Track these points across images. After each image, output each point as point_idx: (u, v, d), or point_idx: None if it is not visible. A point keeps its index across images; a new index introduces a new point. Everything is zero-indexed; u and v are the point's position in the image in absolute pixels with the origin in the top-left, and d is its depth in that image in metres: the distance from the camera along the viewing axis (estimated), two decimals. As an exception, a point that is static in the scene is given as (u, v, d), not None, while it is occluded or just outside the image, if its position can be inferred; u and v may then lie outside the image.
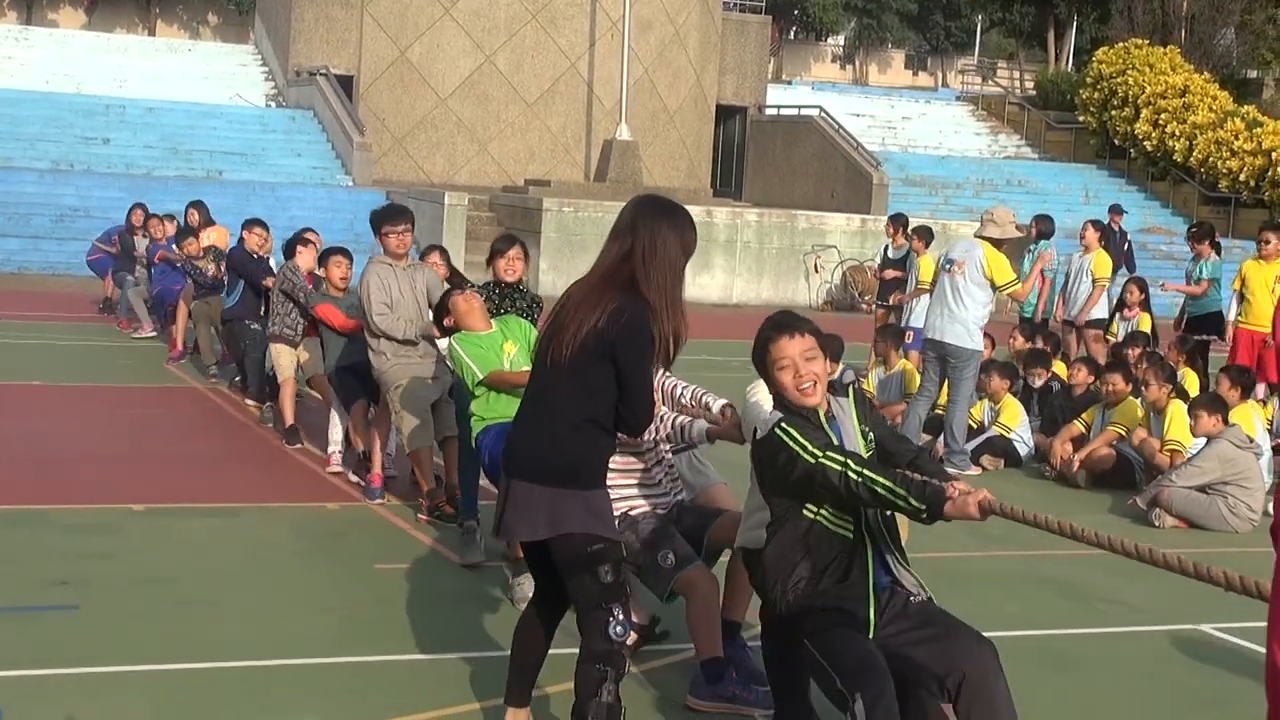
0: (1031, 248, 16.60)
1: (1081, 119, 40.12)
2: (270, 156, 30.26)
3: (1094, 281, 15.02)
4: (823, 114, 36.16)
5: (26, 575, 7.08)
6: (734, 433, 5.56)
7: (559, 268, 23.92)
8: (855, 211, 30.18)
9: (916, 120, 42.91)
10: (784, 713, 4.91)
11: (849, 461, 4.41)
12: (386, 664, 6.09)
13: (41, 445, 10.40)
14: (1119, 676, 6.43)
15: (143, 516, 8.46)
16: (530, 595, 5.19)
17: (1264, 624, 3.02)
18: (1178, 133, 36.41)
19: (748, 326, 4.94)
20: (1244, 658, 6.65)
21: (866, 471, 4.38)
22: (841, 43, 79.96)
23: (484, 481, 7.73)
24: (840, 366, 8.44)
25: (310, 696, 5.67)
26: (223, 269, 13.31)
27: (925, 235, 15.01)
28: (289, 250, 11.33)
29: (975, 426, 11.72)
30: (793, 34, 76.25)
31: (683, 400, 5.94)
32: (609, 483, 4.81)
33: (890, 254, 16.25)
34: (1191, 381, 12.46)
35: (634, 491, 5.89)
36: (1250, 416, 10.47)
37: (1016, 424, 11.69)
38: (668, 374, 5.85)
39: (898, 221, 16.41)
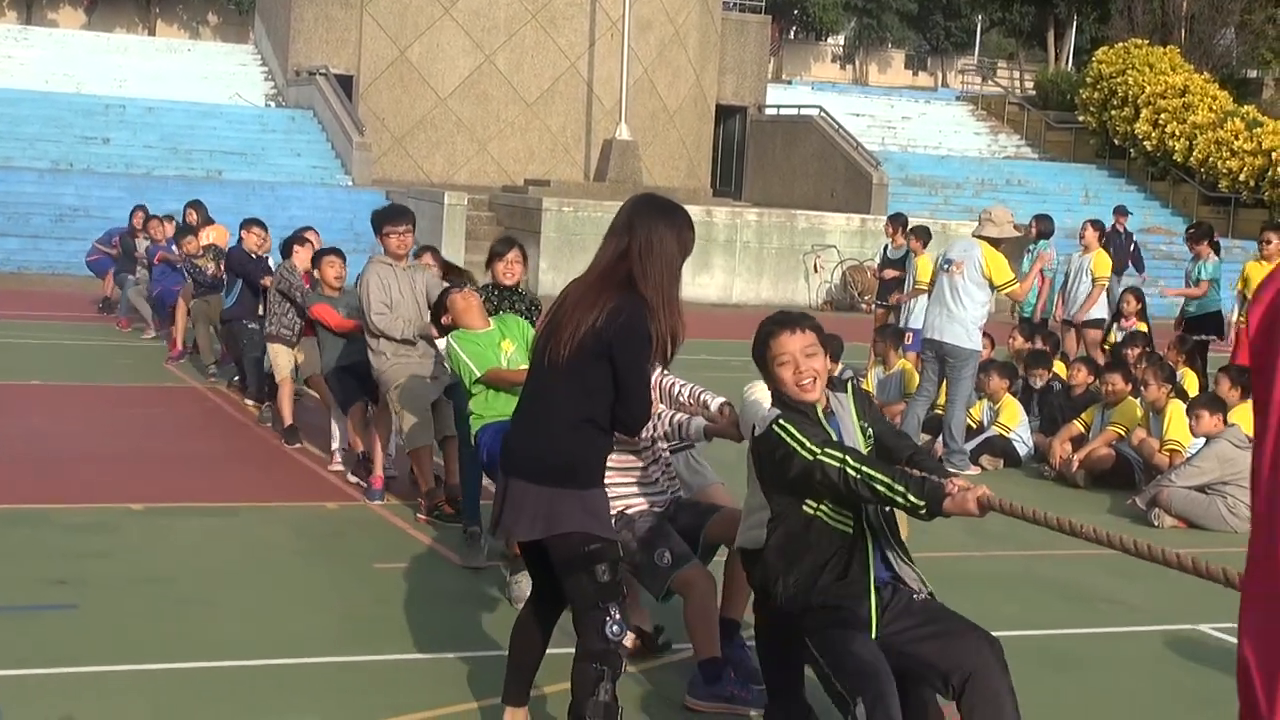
0: (1031, 247, 16.61)
1: (1081, 119, 40.12)
2: (270, 156, 30.25)
3: (1093, 281, 15.03)
4: (822, 114, 36.16)
5: (25, 574, 7.07)
6: (732, 430, 5.56)
7: (559, 267, 23.91)
8: (855, 211, 30.17)
9: (916, 120, 42.90)
10: (777, 710, 4.89)
11: (847, 457, 4.40)
12: (385, 663, 6.09)
13: (40, 445, 10.39)
14: (1118, 676, 6.43)
15: (142, 516, 8.46)
16: (527, 594, 5.20)
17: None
18: (1178, 133, 36.41)
19: (747, 326, 4.94)
20: (1243, 657, 6.63)
21: (865, 468, 4.37)
22: (841, 42, 79.97)
23: (485, 482, 7.72)
24: (839, 366, 8.45)
25: (309, 695, 5.67)
26: (222, 268, 13.31)
27: (923, 235, 14.97)
28: (286, 249, 11.33)
29: (974, 426, 11.71)
30: (793, 34, 76.27)
31: (681, 398, 5.94)
32: (606, 481, 4.81)
33: (890, 254, 16.24)
34: (1191, 381, 12.46)
35: (631, 490, 5.89)
36: (1250, 416, 10.45)
37: (1016, 424, 11.69)
38: (666, 372, 5.85)
39: (897, 221, 16.39)
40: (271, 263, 12.32)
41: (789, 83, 51.02)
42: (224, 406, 12.56)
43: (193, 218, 15.88)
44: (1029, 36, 56.87)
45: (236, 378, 13.04)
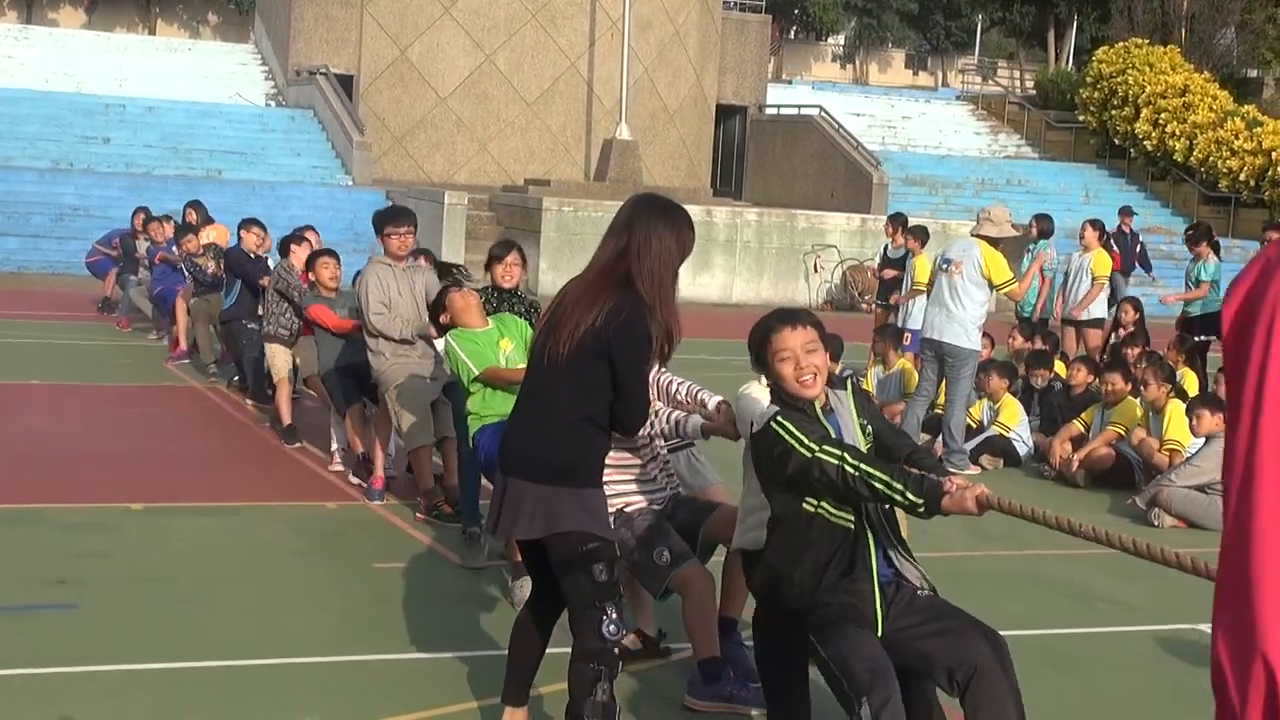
0: (1031, 247, 16.60)
1: (1081, 118, 40.11)
2: (270, 156, 30.25)
3: (1093, 280, 15.02)
4: (823, 113, 36.15)
5: (24, 574, 7.07)
6: (729, 429, 5.56)
7: (559, 267, 23.90)
8: (855, 211, 30.17)
9: (916, 120, 42.90)
10: (778, 712, 4.88)
11: (845, 454, 4.40)
12: (385, 663, 6.09)
13: (40, 444, 10.39)
14: (1119, 676, 6.42)
15: (141, 516, 8.46)
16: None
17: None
18: (1178, 132, 36.40)
19: (747, 326, 4.93)
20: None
21: (863, 465, 4.37)
22: (842, 42, 79.95)
23: (484, 481, 7.72)
24: (839, 366, 8.45)
25: (309, 695, 5.66)
26: (222, 267, 13.31)
27: (921, 235, 14.94)
28: (284, 248, 11.32)
29: (974, 426, 11.71)
30: (793, 33, 76.25)
31: (678, 396, 5.94)
32: (605, 479, 4.81)
33: (890, 253, 16.23)
34: (1190, 381, 12.45)
35: (630, 488, 5.88)
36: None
37: (1016, 423, 11.68)
38: (664, 370, 5.85)
39: (897, 221, 16.38)
40: (271, 263, 12.31)
41: (789, 82, 51.02)
42: (224, 406, 12.55)
43: (192, 217, 15.88)
44: (1029, 36, 56.87)
45: (236, 377, 13.04)
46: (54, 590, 6.84)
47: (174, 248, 15.49)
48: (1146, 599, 7.61)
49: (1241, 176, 34.71)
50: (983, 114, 44.35)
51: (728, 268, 26.61)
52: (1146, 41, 40.57)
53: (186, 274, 14.61)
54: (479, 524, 7.78)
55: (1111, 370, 11.23)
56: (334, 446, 10.16)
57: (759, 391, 4.86)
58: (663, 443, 6.01)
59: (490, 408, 6.94)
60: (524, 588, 6.46)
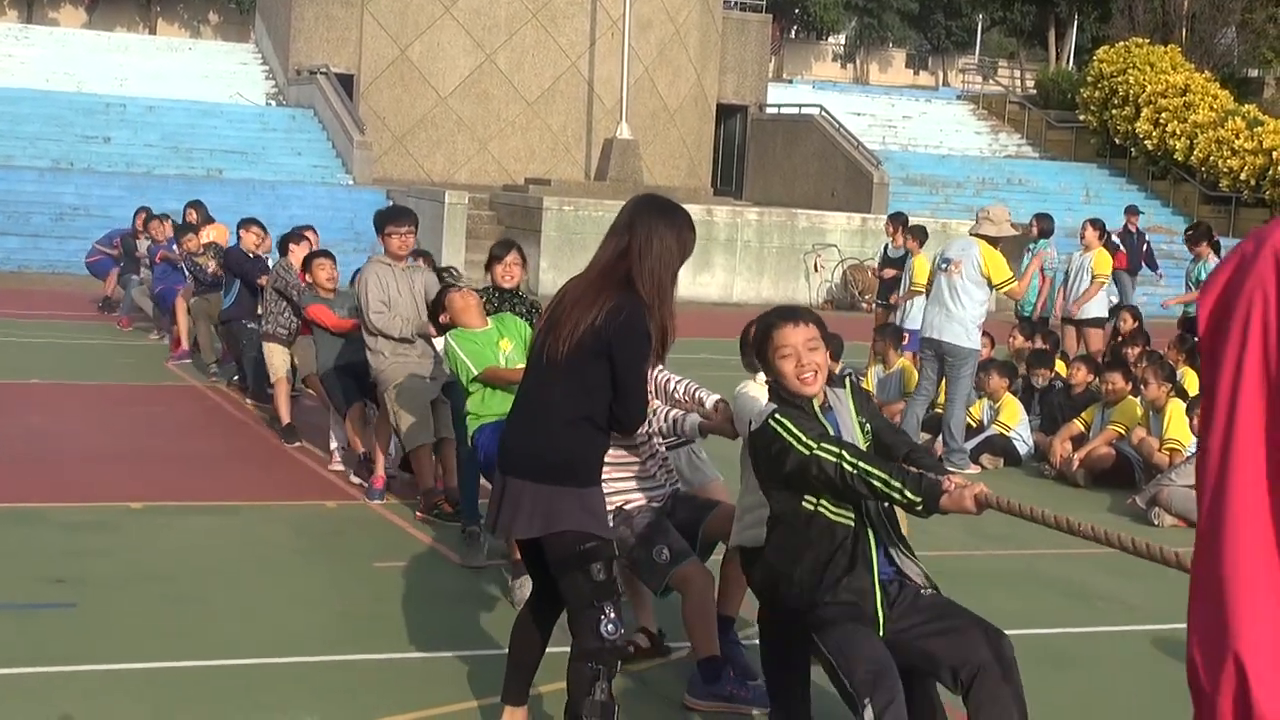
0: (1031, 246, 16.60)
1: (1082, 118, 40.10)
2: (270, 155, 30.25)
3: (1093, 279, 15.03)
4: (823, 113, 36.15)
5: (24, 573, 7.07)
6: (727, 427, 5.57)
7: (559, 267, 23.89)
8: (856, 210, 30.17)
9: (917, 119, 42.89)
10: (779, 713, 4.88)
11: (844, 452, 4.39)
12: (385, 662, 6.09)
13: (40, 443, 10.39)
14: (1118, 675, 6.42)
15: (141, 514, 8.46)
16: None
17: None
18: (1178, 132, 36.40)
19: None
20: (1243, 656, 6.63)
21: (862, 463, 4.36)
22: (842, 42, 79.92)
23: (483, 481, 7.72)
24: (839, 365, 8.44)
25: (308, 694, 5.67)
26: (222, 266, 13.31)
27: (919, 235, 14.89)
28: (283, 247, 11.32)
29: (974, 425, 11.71)
30: (793, 33, 76.21)
31: (676, 394, 5.95)
32: (604, 476, 4.81)
33: (890, 253, 16.22)
34: (1191, 380, 12.43)
35: (629, 485, 5.88)
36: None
37: (1016, 423, 11.68)
38: (662, 368, 5.85)
39: (898, 220, 16.37)
40: (271, 262, 12.31)
41: (790, 82, 51.01)
42: (224, 405, 12.56)
43: (193, 217, 15.88)
44: (1030, 36, 56.85)
45: (237, 377, 13.04)
46: (53, 589, 6.84)
47: (174, 246, 15.49)
48: (1146, 598, 7.61)
49: (1242, 176, 34.71)
50: (983, 113, 44.34)
51: (728, 267, 26.61)
52: (1147, 41, 40.55)
53: (187, 273, 14.61)
54: (478, 523, 7.78)
55: (1112, 369, 11.23)
56: (334, 446, 10.16)
57: (756, 390, 4.86)
58: (660, 441, 6.02)
59: (489, 407, 6.94)
60: (524, 587, 6.46)
